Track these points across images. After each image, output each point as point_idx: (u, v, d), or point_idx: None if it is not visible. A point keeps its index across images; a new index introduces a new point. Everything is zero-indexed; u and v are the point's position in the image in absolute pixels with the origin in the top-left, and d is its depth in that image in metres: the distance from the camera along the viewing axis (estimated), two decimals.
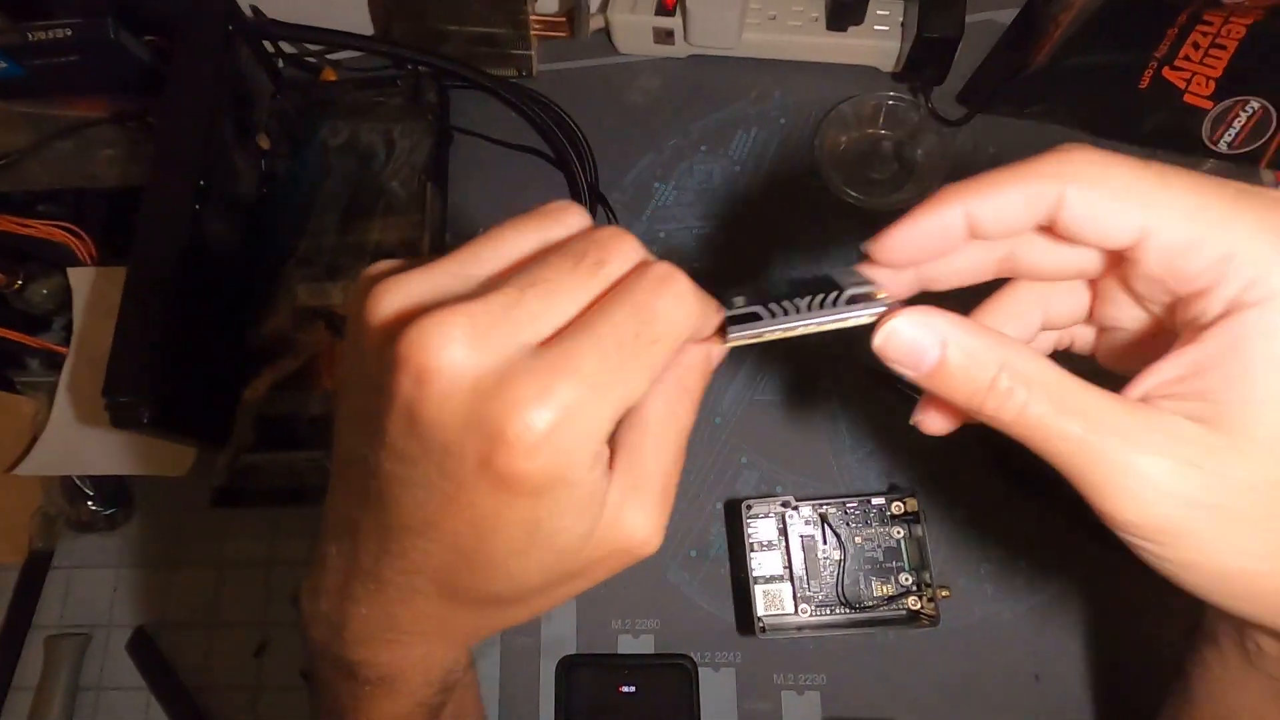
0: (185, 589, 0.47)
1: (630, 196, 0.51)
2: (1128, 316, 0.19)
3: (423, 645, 0.20)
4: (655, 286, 0.17)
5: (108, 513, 0.47)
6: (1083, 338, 0.21)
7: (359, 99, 0.53)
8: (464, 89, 0.54)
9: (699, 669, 0.41)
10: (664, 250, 0.50)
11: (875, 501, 0.39)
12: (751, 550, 0.38)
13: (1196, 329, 0.16)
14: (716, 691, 0.41)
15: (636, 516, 0.18)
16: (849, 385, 0.46)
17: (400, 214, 0.49)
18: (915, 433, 0.48)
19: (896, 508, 0.39)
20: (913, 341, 0.18)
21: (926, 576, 0.37)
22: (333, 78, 0.54)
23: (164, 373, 0.38)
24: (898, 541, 0.39)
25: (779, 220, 0.49)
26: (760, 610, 0.38)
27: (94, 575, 0.48)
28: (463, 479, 0.16)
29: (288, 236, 0.49)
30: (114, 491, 0.48)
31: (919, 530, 0.38)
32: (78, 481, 0.47)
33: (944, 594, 0.37)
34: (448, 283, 0.17)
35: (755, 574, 0.38)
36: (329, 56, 0.55)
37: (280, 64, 0.56)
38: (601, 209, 0.50)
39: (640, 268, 0.17)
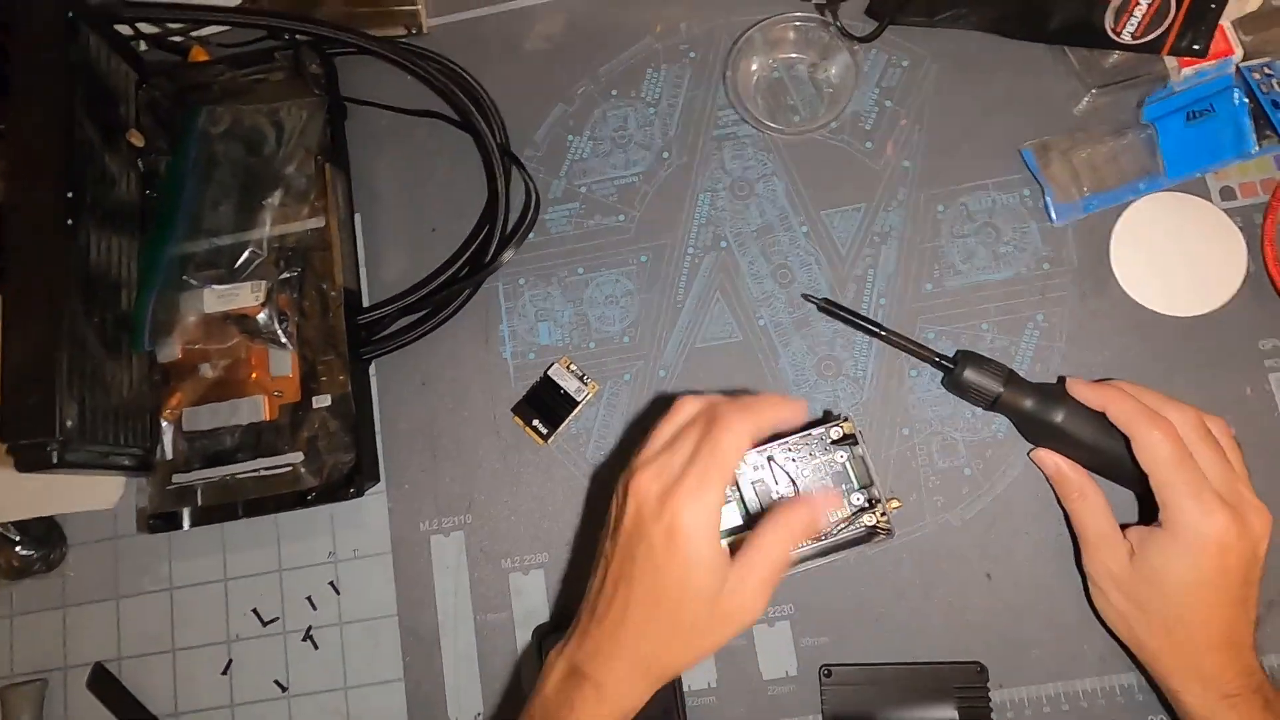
0: (139, 618, 0.45)
1: (544, 153, 0.49)
2: None
3: (624, 669, 0.32)
4: (722, 432, 0.32)
5: (40, 555, 0.45)
6: None
7: (236, 79, 0.48)
8: (350, 55, 0.50)
9: None
10: (587, 205, 0.48)
11: (815, 432, 0.39)
12: None
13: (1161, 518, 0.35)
14: None
15: (745, 592, 0.32)
16: (785, 318, 0.45)
17: (300, 200, 0.46)
18: (853, 359, 0.48)
19: (834, 433, 0.39)
20: (1042, 461, 0.40)
21: (875, 492, 0.38)
22: (204, 58, 0.50)
23: (65, 406, 0.36)
24: (843, 465, 0.39)
25: (702, 161, 0.48)
26: None
27: (39, 619, 0.46)
28: (651, 537, 0.32)
29: (183, 239, 0.45)
30: (43, 533, 0.45)
31: (859, 450, 0.38)
32: (1, 529, 0.44)
33: (895, 505, 0.38)
34: (654, 460, 0.34)
35: None
36: (195, 34, 0.51)
37: (142, 47, 0.51)
38: (516, 171, 0.48)
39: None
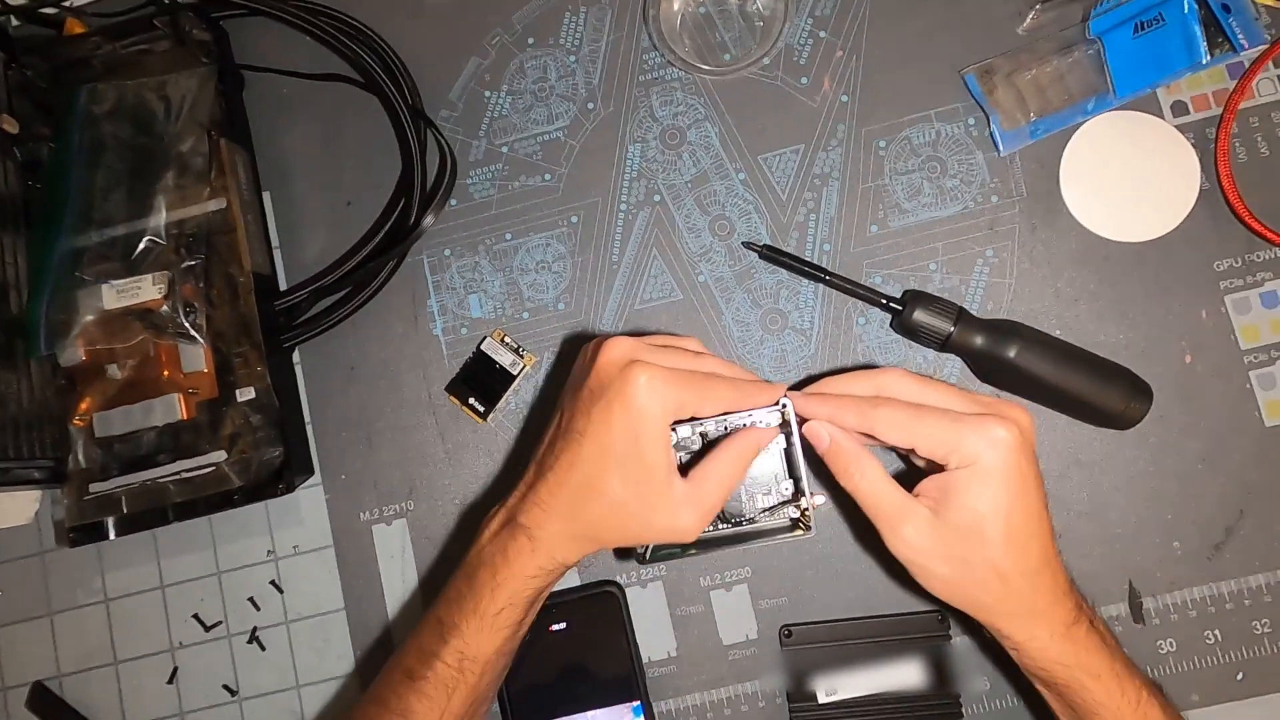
0: (76, 633, 0.43)
1: (461, 113, 0.46)
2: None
3: (560, 528, 0.33)
4: (716, 380, 0.33)
5: None
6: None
7: (117, 52, 0.44)
8: (240, 17, 0.46)
9: (626, 590, 0.41)
10: (510, 165, 0.45)
11: (755, 415, 0.36)
12: None
13: (941, 467, 0.32)
14: (648, 607, 0.41)
15: (688, 511, 0.32)
16: (726, 272, 0.43)
17: (198, 181, 0.42)
18: (799, 310, 0.46)
19: (773, 418, 0.36)
20: (815, 433, 0.34)
21: (802, 485, 0.36)
22: (80, 30, 0.45)
23: None
24: (781, 450, 0.37)
25: (630, 110, 0.45)
26: None
27: None
28: (610, 400, 0.31)
29: (74, 232, 0.42)
30: None
31: (793, 438, 0.36)
32: None
33: (819, 502, 0.35)
34: (638, 339, 0.34)
35: None
36: (66, 4, 0.46)
37: (12, 22, 0.46)
38: (430, 134, 0.44)
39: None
